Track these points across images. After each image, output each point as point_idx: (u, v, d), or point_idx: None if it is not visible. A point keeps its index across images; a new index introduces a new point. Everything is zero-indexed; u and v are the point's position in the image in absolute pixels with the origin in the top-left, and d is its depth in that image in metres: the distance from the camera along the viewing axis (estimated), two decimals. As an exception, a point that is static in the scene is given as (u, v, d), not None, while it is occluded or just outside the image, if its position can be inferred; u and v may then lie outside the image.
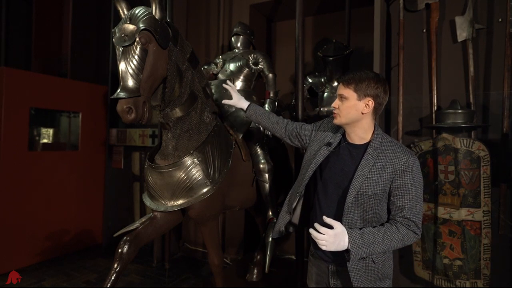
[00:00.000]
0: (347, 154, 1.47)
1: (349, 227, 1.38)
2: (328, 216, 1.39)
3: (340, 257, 1.43)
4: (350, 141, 1.49)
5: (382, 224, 1.42)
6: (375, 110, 1.42)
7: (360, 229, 1.37)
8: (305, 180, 1.55)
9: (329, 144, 1.52)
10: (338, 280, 1.50)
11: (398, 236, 1.36)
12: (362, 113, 1.40)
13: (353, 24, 3.37)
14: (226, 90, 2.63)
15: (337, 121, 1.46)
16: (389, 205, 1.43)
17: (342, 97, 1.43)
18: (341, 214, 1.42)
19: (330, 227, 1.32)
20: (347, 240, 1.31)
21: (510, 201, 2.29)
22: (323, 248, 1.31)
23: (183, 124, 1.99)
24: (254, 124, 2.56)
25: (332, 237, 1.29)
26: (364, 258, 1.39)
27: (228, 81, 2.07)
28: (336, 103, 1.46)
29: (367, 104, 1.39)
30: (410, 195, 1.37)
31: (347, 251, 1.33)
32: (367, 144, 1.44)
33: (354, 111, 1.40)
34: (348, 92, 1.41)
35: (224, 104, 2.52)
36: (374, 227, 1.40)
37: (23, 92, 3.53)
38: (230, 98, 2.03)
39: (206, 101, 2.12)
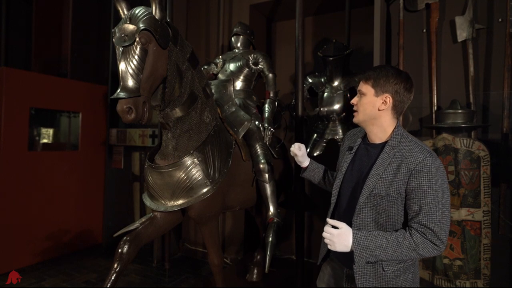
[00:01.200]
0: (365, 154, 1.44)
1: (359, 229, 1.34)
2: (340, 216, 1.37)
3: (352, 261, 1.37)
4: (369, 141, 1.45)
5: (396, 230, 1.32)
6: (395, 107, 1.36)
7: (369, 231, 1.31)
8: (334, 190, 1.50)
9: (350, 148, 1.51)
10: (352, 284, 1.44)
11: (410, 243, 1.24)
12: (379, 110, 1.36)
13: (353, 24, 3.37)
14: (226, 90, 2.63)
15: (355, 119, 1.43)
16: (406, 210, 1.32)
17: (360, 93, 1.41)
18: (352, 214, 1.38)
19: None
20: (351, 240, 1.25)
21: (510, 201, 2.29)
22: (329, 247, 1.28)
23: (183, 124, 1.98)
24: (254, 124, 2.56)
25: (335, 236, 1.26)
26: (372, 262, 1.33)
27: (299, 145, 1.86)
28: (354, 99, 1.44)
29: (385, 101, 1.35)
30: (427, 199, 1.24)
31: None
32: (385, 143, 1.38)
33: (371, 107, 1.36)
34: (366, 88, 1.38)
35: (224, 104, 2.54)
36: (387, 231, 1.33)
37: (23, 92, 3.53)
38: (230, 99, 2.00)
39: (206, 101, 2.12)
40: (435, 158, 1.28)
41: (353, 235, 1.26)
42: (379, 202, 1.32)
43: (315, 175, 1.84)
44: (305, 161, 1.84)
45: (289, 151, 1.90)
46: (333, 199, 1.50)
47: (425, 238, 1.24)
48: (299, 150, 1.83)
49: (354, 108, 1.43)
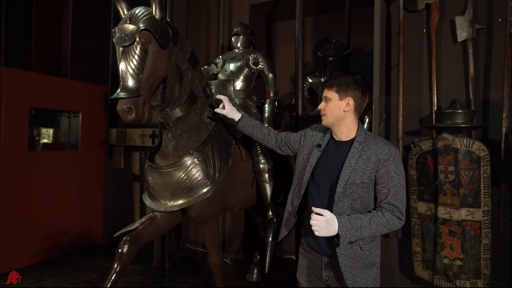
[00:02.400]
0: (335, 151, 1.63)
1: (339, 215, 1.48)
2: (320, 207, 1.50)
3: (333, 249, 1.54)
4: (337, 139, 1.65)
5: (369, 211, 1.54)
6: (356, 109, 1.60)
7: (348, 215, 1.48)
8: (304, 182, 1.68)
9: (319, 145, 1.68)
10: (331, 272, 1.60)
11: (383, 221, 1.47)
12: (344, 111, 1.58)
13: (353, 24, 3.37)
14: (226, 90, 2.65)
15: (324, 121, 1.65)
16: (376, 193, 1.56)
17: (326, 99, 1.63)
18: (331, 203, 1.55)
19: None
20: (337, 225, 1.42)
21: (510, 201, 2.29)
22: (316, 233, 1.42)
23: (183, 124, 1.98)
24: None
25: (323, 222, 1.41)
26: (353, 243, 1.52)
27: (220, 95, 2.14)
28: (322, 105, 1.65)
29: (348, 103, 1.58)
30: (393, 182, 1.50)
31: (337, 236, 1.44)
32: (353, 139, 1.60)
33: (337, 110, 1.59)
34: (331, 94, 1.61)
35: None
36: (362, 214, 1.52)
37: (23, 92, 3.53)
38: (230, 99, 2.08)
39: (206, 101, 2.12)
40: (396, 149, 1.57)
41: (337, 220, 1.43)
42: (354, 190, 1.53)
43: (244, 130, 2.05)
44: (235, 116, 2.04)
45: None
46: (302, 190, 1.69)
47: (393, 214, 1.50)
48: (222, 109, 2.05)
49: (322, 113, 1.65)
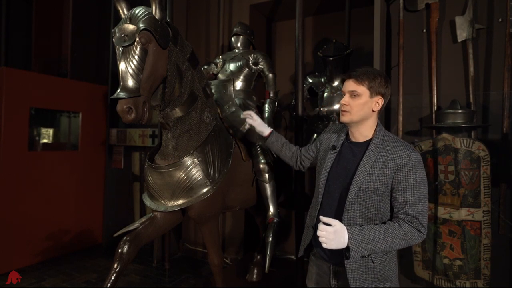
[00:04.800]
0: (349, 152, 1.48)
1: (349, 224, 1.37)
2: (329, 214, 1.40)
3: (341, 257, 1.41)
4: (353, 139, 1.49)
5: (384, 222, 1.38)
6: (381, 109, 1.44)
7: (360, 226, 1.35)
8: (320, 189, 1.52)
9: (334, 147, 1.53)
10: (339, 281, 1.48)
11: (401, 233, 1.31)
12: (373, 111, 1.41)
13: (353, 24, 3.37)
14: (226, 90, 2.64)
15: (346, 118, 1.43)
16: (392, 202, 1.40)
17: (353, 94, 1.40)
18: (342, 211, 1.41)
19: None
20: (347, 237, 1.28)
21: (510, 201, 2.29)
22: (324, 245, 1.29)
23: (183, 124, 1.99)
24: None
25: (331, 234, 1.27)
26: (364, 256, 1.37)
27: (247, 111, 2.11)
28: (346, 100, 1.43)
29: (377, 102, 1.40)
30: (412, 191, 1.33)
31: (347, 249, 1.31)
32: (369, 141, 1.44)
33: (366, 108, 1.40)
34: (361, 89, 1.39)
35: (224, 104, 2.54)
36: (376, 225, 1.37)
37: (23, 92, 3.53)
38: (230, 99, 2.04)
39: (206, 101, 2.12)
40: (417, 153, 1.38)
41: (347, 231, 1.29)
42: (367, 197, 1.38)
43: (273, 146, 1.97)
44: (265, 130, 1.98)
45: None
46: (320, 197, 1.52)
47: (412, 226, 1.33)
48: (254, 121, 2.00)
49: (345, 109, 1.42)
